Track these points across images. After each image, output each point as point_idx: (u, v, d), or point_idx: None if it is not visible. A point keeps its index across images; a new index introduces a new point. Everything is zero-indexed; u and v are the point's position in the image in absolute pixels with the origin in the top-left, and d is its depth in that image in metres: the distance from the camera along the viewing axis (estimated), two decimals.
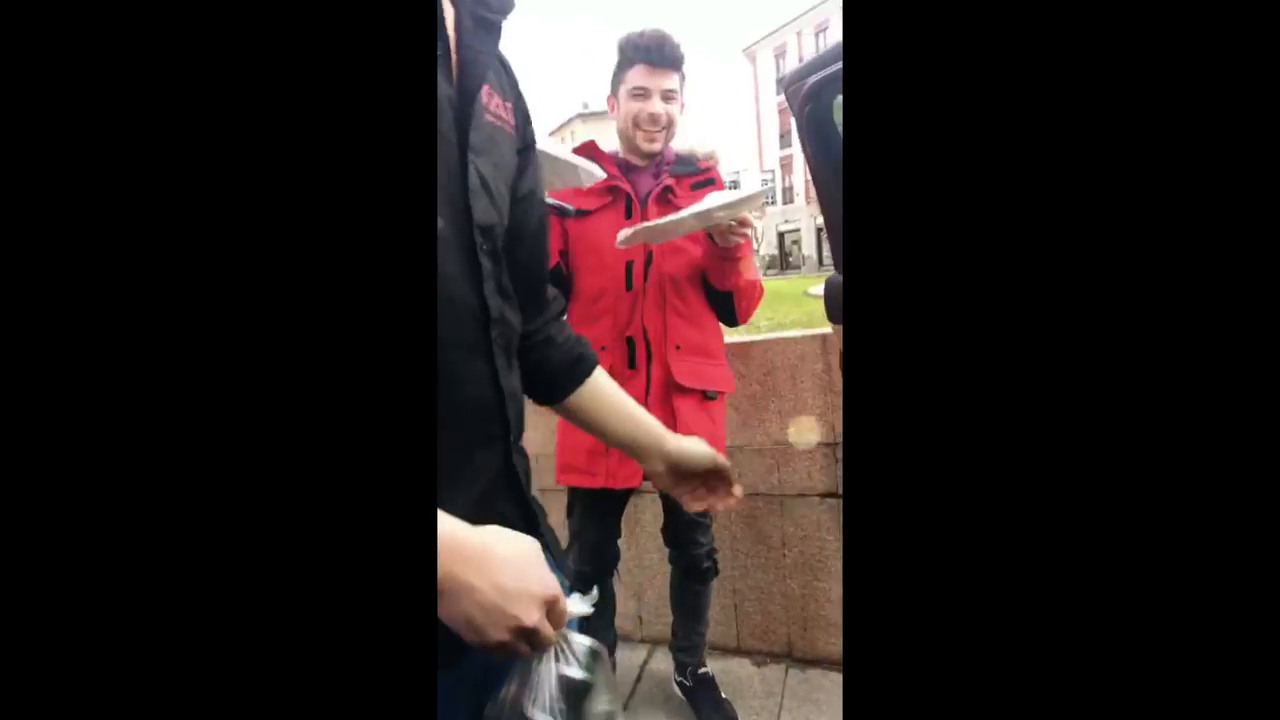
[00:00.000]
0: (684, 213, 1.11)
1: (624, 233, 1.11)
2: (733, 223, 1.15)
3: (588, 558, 1.41)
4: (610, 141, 1.41)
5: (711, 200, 1.11)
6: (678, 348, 1.29)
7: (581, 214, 1.24)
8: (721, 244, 1.19)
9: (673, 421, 1.27)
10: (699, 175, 1.34)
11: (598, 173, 1.14)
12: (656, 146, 1.30)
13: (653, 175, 1.34)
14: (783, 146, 31.99)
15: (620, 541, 1.47)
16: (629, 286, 1.26)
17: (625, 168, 1.33)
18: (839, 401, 1.55)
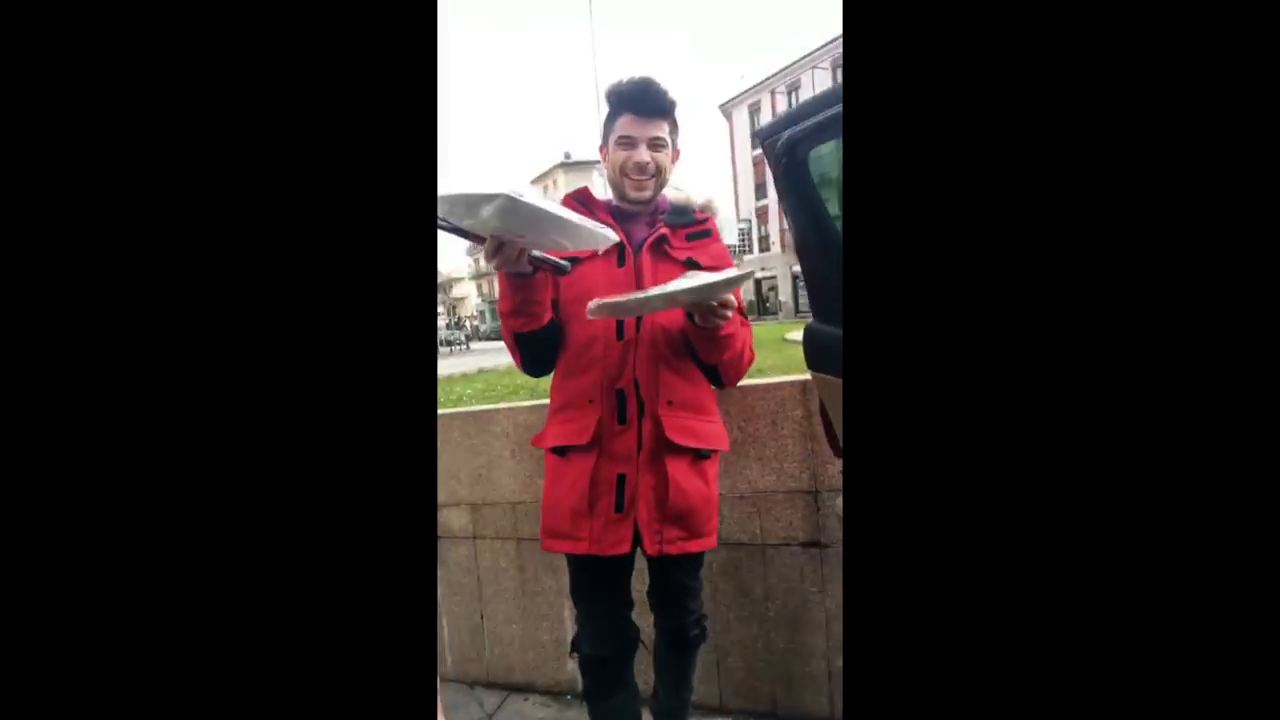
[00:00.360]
0: (652, 292, 1.07)
1: (592, 304, 1.07)
2: (713, 303, 1.08)
3: (599, 640, 1.27)
4: (598, 189, 1.40)
5: (683, 282, 1.06)
6: (670, 403, 1.22)
7: (574, 262, 1.19)
8: (701, 323, 1.13)
9: (664, 484, 1.19)
10: (695, 226, 1.30)
11: (612, 236, 1.04)
12: (646, 194, 1.27)
13: (647, 224, 1.30)
14: (759, 197, 33.11)
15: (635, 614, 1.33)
16: (620, 336, 1.19)
17: (618, 215, 1.29)
18: (820, 448, 1.53)
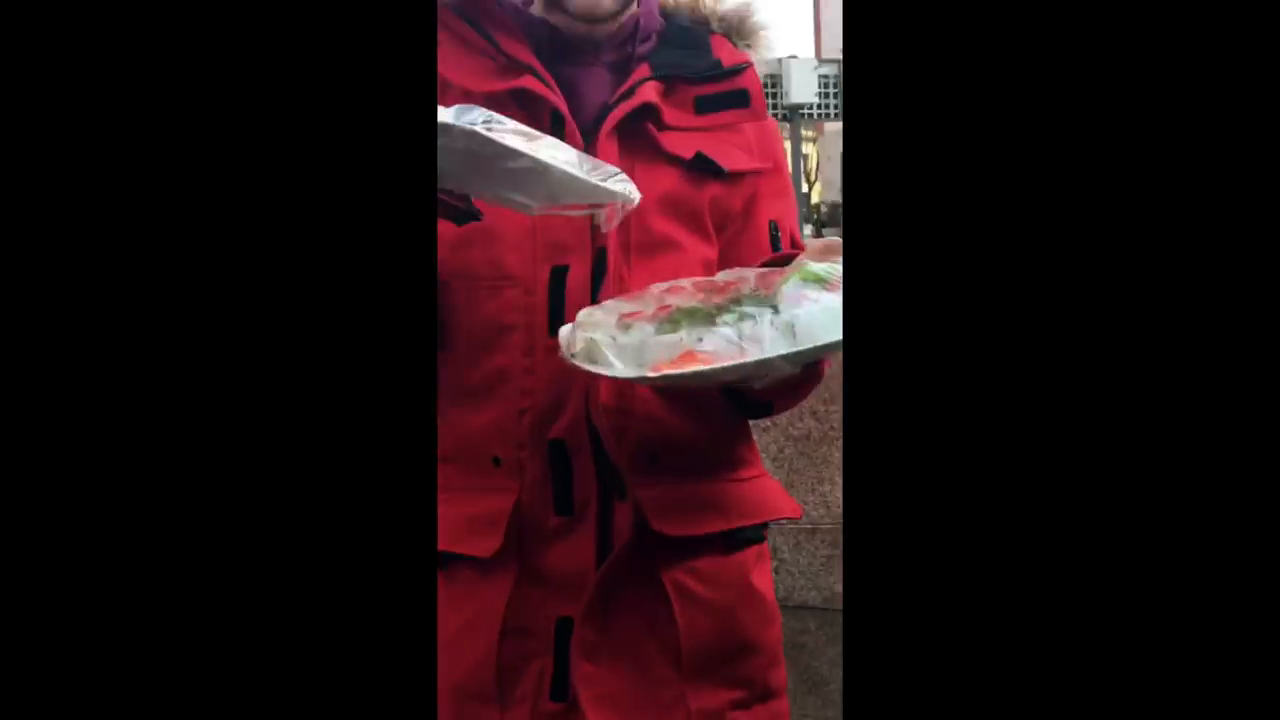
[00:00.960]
0: (746, 358, 0.69)
1: (568, 336, 0.73)
2: None
3: None
4: None
5: (774, 342, 0.70)
6: (654, 460, 0.86)
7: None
8: None
9: (666, 622, 0.86)
10: (717, 83, 0.87)
11: (634, 195, 0.75)
12: (607, 2, 0.83)
13: (609, 68, 0.86)
14: None
15: None
16: (556, 329, 0.81)
17: (551, 49, 0.86)
18: None
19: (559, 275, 0.88)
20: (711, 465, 0.94)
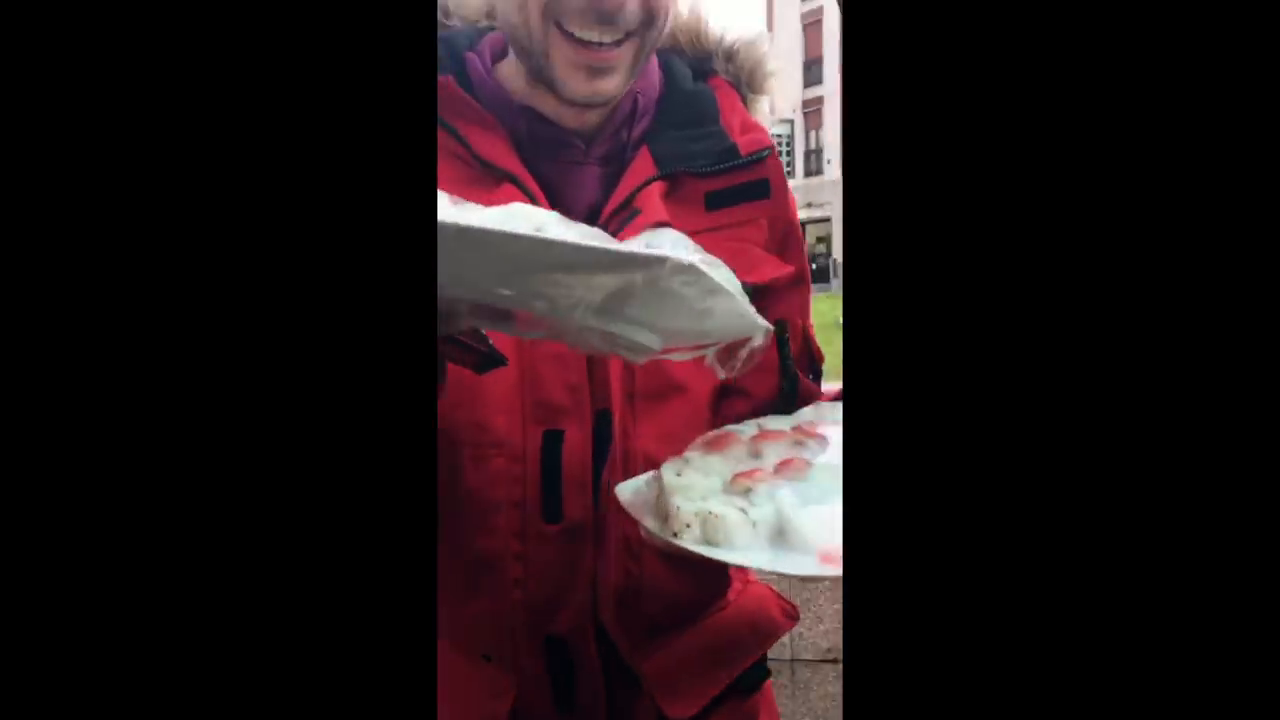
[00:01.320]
0: None
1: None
2: None
3: None
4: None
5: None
6: (651, 634, 0.77)
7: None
8: None
9: None
10: (737, 172, 0.75)
11: (763, 325, 0.61)
12: (611, 88, 0.68)
13: (601, 162, 0.74)
14: (809, 83, 27.75)
15: None
16: (556, 513, 0.71)
17: (533, 143, 0.72)
18: None
19: (553, 441, 0.74)
20: (708, 603, 0.85)
